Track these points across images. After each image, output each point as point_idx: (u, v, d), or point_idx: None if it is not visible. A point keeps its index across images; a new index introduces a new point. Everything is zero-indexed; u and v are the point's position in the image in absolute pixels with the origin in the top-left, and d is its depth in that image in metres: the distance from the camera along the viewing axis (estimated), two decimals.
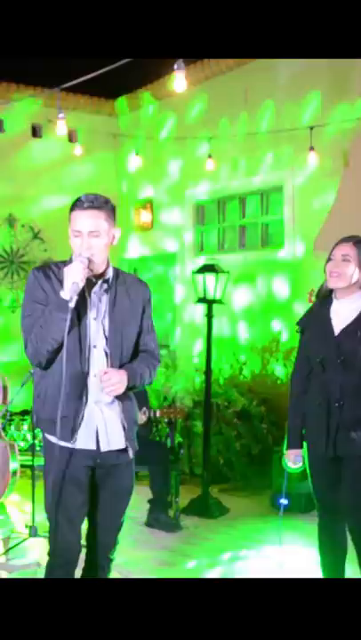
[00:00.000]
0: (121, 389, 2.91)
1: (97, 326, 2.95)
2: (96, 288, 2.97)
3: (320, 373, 3.44)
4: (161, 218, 8.42)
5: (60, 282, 2.89)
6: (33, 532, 4.80)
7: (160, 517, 5.37)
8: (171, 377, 7.62)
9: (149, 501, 5.43)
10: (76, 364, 2.88)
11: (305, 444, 3.55)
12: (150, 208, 8.48)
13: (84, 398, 2.91)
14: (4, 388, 5.16)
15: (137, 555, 4.73)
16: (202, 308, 6.19)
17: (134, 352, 3.05)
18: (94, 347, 2.94)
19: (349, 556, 3.57)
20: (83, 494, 2.97)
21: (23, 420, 7.10)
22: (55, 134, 6.46)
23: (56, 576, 2.97)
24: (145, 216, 8.52)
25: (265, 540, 5.06)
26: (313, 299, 6.10)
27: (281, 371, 6.82)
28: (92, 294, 2.95)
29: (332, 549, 3.56)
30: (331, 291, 3.50)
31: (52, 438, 2.98)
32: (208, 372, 6.03)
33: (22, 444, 6.64)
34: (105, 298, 2.98)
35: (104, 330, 2.96)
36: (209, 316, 5.95)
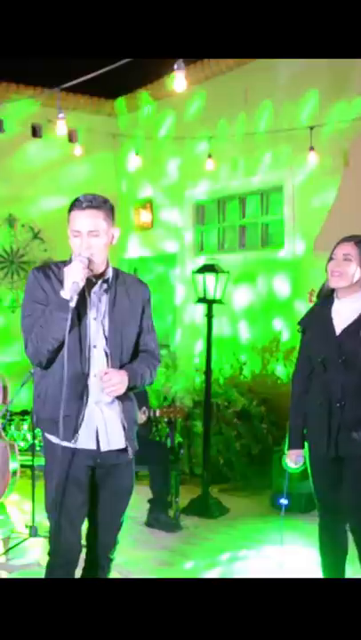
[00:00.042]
0: (122, 390, 2.92)
1: (97, 326, 2.95)
2: (96, 288, 2.97)
3: (321, 373, 3.44)
4: (161, 218, 8.42)
5: (60, 282, 2.89)
6: (33, 532, 4.80)
7: (160, 517, 5.37)
8: (171, 377, 7.62)
9: (149, 501, 5.43)
10: (76, 363, 2.88)
11: (306, 443, 3.55)
12: (150, 208, 8.48)
13: (85, 398, 2.91)
14: (4, 388, 5.16)
15: (137, 555, 4.72)
16: (202, 308, 6.19)
17: (134, 352, 3.05)
18: (94, 347, 2.94)
19: (349, 556, 3.57)
20: (83, 494, 2.97)
21: (23, 419, 7.09)
22: (55, 134, 6.45)
23: (56, 576, 2.98)
24: (145, 216, 8.52)
25: (265, 540, 5.06)
26: (313, 299, 6.13)
27: (281, 371, 6.82)
28: (92, 294, 2.96)
29: (332, 549, 3.56)
30: (332, 290, 3.49)
31: (53, 438, 2.98)
32: (208, 372, 6.03)
33: (22, 443, 6.64)
34: (105, 298, 2.98)
35: (104, 330, 2.96)
36: (209, 315, 5.95)
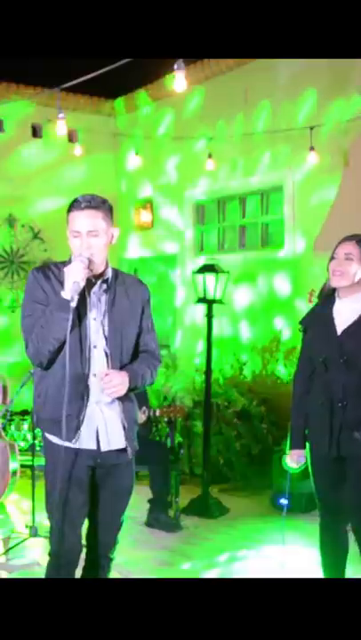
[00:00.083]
0: (122, 391, 2.92)
1: (97, 326, 2.96)
2: (95, 288, 2.97)
3: (323, 373, 3.43)
4: (161, 218, 8.42)
5: (60, 282, 2.90)
6: (33, 532, 4.80)
7: (160, 517, 5.37)
8: (171, 377, 7.62)
9: (149, 501, 5.43)
10: (76, 364, 2.88)
11: (307, 444, 3.54)
12: (150, 208, 8.48)
13: (85, 398, 2.92)
14: (4, 388, 5.16)
15: (137, 555, 4.72)
16: (202, 309, 6.19)
17: (134, 352, 3.05)
18: (94, 347, 2.94)
19: (350, 555, 3.57)
20: (83, 494, 2.97)
21: (23, 419, 7.09)
22: (55, 134, 6.45)
23: (56, 576, 2.98)
24: (145, 216, 8.52)
25: (265, 540, 5.06)
26: (313, 299, 6.14)
27: (281, 370, 6.82)
28: (92, 294, 2.96)
29: (333, 549, 3.55)
30: (334, 290, 3.48)
31: (53, 438, 2.98)
32: (208, 371, 6.03)
33: (22, 443, 6.64)
34: (104, 298, 2.98)
35: (104, 330, 2.96)
36: (209, 315, 5.95)
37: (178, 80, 4.47)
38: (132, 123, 8.63)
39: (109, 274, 3.00)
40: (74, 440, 2.90)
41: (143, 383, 3.04)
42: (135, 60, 4.48)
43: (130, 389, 2.96)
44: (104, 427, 2.96)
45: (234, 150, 7.42)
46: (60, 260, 3.07)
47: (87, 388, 2.92)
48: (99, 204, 2.92)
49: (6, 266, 8.16)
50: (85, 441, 2.93)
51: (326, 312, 3.47)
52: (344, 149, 6.36)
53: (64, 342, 2.84)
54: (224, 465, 6.57)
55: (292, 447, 3.59)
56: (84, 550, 3.11)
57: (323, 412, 3.39)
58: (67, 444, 2.89)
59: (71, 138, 8.10)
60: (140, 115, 8.54)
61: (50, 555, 3.03)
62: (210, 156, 7.27)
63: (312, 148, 6.42)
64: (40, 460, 4.24)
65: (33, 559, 4.65)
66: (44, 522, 4.04)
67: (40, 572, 4.17)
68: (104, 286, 2.99)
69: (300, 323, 3.64)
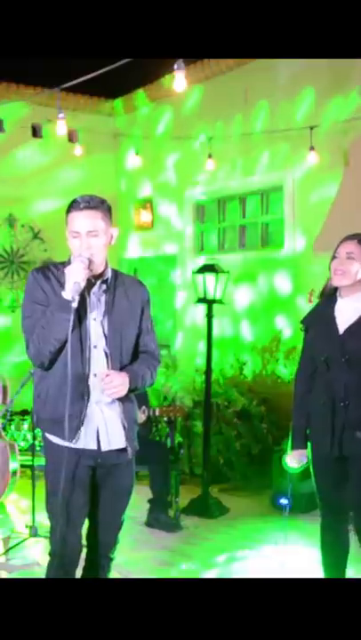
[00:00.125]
0: (123, 392, 2.92)
1: (96, 327, 2.96)
2: (95, 289, 2.97)
3: (325, 372, 3.42)
4: (161, 218, 8.42)
5: (60, 283, 2.90)
6: (33, 532, 4.80)
7: (160, 517, 5.37)
8: (171, 377, 7.62)
9: (149, 501, 5.43)
10: (77, 364, 2.88)
11: (309, 443, 3.53)
12: (150, 208, 8.48)
13: (86, 398, 2.92)
14: (4, 388, 5.16)
15: (137, 555, 4.73)
16: (203, 310, 6.18)
17: (134, 353, 3.06)
18: (94, 347, 2.94)
19: (351, 555, 3.56)
20: (84, 494, 2.97)
21: (23, 419, 7.09)
22: (55, 134, 6.45)
23: (57, 576, 2.98)
24: (145, 216, 8.52)
25: (265, 539, 5.06)
26: (313, 299, 6.14)
27: (282, 370, 6.82)
28: (91, 295, 2.96)
29: (334, 549, 3.54)
30: (335, 289, 3.47)
31: (53, 438, 2.99)
32: (208, 371, 6.03)
33: (22, 443, 6.64)
34: (104, 298, 2.98)
35: (103, 330, 2.96)
36: (209, 315, 5.95)
37: (178, 80, 4.47)
38: (132, 123, 8.63)
39: (109, 274, 3.01)
40: (74, 440, 2.90)
41: (143, 384, 3.05)
42: (135, 60, 4.48)
43: (130, 390, 2.96)
44: (104, 427, 2.96)
45: (234, 150, 7.42)
46: (59, 262, 3.07)
47: (87, 388, 2.92)
48: (98, 204, 2.92)
49: (6, 266, 8.16)
50: (86, 441, 2.93)
51: (328, 311, 3.46)
52: (344, 149, 6.37)
53: (65, 343, 2.84)
54: (224, 465, 6.57)
55: (293, 447, 3.57)
56: (85, 550, 3.11)
57: (325, 411, 3.38)
58: (67, 443, 2.89)
59: (71, 138, 8.09)
60: (140, 115, 8.54)
61: (50, 555, 3.04)
62: (210, 155, 7.27)
63: (312, 148, 6.42)
64: (40, 460, 4.24)
65: (33, 559, 4.65)
66: (44, 522, 4.04)
67: (40, 572, 4.17)
68: (103, 287, 2.99)
69: (302, 322, 3.63)
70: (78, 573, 3.14)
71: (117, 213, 8.54)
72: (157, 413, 5.47)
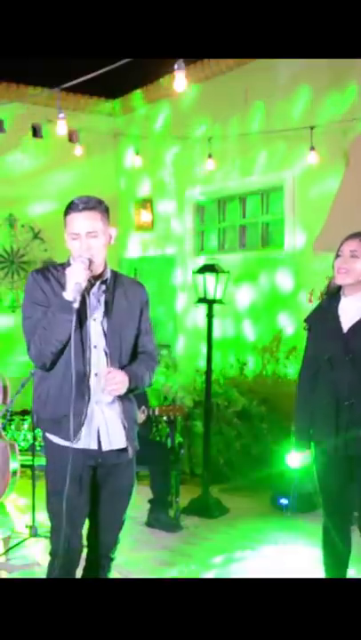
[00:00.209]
0: (122, 390, 2.92)
1: (96, 327, 2.96)
2: (94, 289, 2.98)
3: (328, 371, 3.40)
4: (161, 218, 8.42)
5: (60, 284, 2.91)
6: (33, 532, 4.81)
7: (160, 517, 5.37)
8: (171, 377, 7.62)
9: (150, 501, 5.43)
10: (78, 364, 2.89)
11: (312, 443, 3.51)
12: (150, 208, 8.48)
13: (87, 398, 2.92)
14: (5, 388, 5.16)
15: (137, 555, 4.73)
16: (204, 311, 6.18)
17: (133, 353, 3.06)
18: (94, 347, 2.95)
19: (352, 556, 3.55)
20: (85, 494, 2.98)
21: (23, 420, 7.09)
22: (55, 134, 6.45)
23: (57, 576, 2.98)
24: (145, 216, 8.52)
25: (265, 539, 5.07)
26: (313, 299, 6.15)
27: (282, 370, 6.82)
28: (91, 295, 2.96)
29: (337, 550, 3.49)
30: (339, 287, 3.46)
31: (54, 438, 2.99)
32: (208, 371, 6.03)
33: (22, 443, 6.64)
34: (103, 299, 2.99)
35: (103, 330, 2.97)
36: (209, 315, 5.95)
37: (178, 80, 4.47)
38: (132, 123, 8.63)
39: (108, 275, 3.01)
40: (75, 440, 2.90)
41: (142, 384, 3.05)
42: (135, 60, 4.48)
43: (129, 390, 2.96)
44: (105, 426, 2.96)
45: (234, 150, 7.42)
46: (59, 263, 3.09)
47: (88, 387, 2.93)
48: (96, 204, 2.93)
49: (6, 266, 8.16)
50: (87, 441, 2.93)
51: (332, 310, 3.45)
52: (344, 149, 6.37)
53: (66, 343, 2.85)
54: (224, 465, 6.57)
55: (296, 447, 3.54)
56: (85, 550, 3.11)
57: (328, 411, 3.37)
58: (68, 443, 2.89)
59: (71, 138, 8.10)
60: (140, 115, 8.54)
61: (50, 554, 3.04)
62: (210, 155, 7.27)
63: (312, 148, 6.42)
64: (40, 460, 4.25)
65: (33, 559, 4.65)
66: (44, 522, 4.04)
67: (40, 572, 4.18)
68: (103, 287, 2.99)
69: (305, 321, 3.61)
70: (79, 573, 3.14)
71: (118, 214, 8.56)
72: (157, 413, 5.47)
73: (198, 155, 7.68)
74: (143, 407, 5.17)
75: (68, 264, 2.93)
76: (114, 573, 3.21)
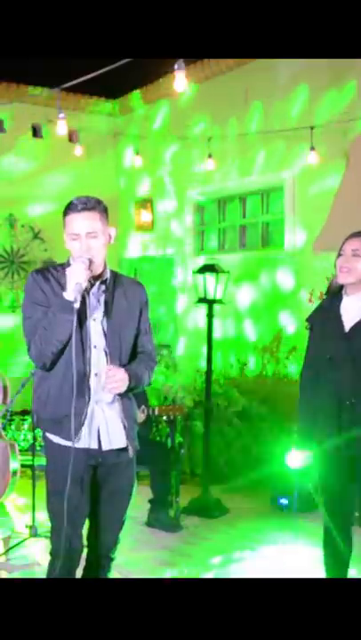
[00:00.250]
0: (123, 388, 2.93)
1: (96, 327, 2.96)
2: (94, 289, 2.98)
3: (330, 371, 3.38)
4: (161, 218, 8.42)
5: (60, 284, 2.91)
6: (33, 531, 4.81)
7: (160, 517, 5.37)
8: (171, 377, 7.62)
9: (150, 501, 5.44)
10: (78, 363, 2.88)
11: (314, 443, 3.50)
12: (150, 208, 8.48)
13: (87, 397, 2.92)
14: (5, 388, 5.16)
15: (137, 555, 4.73)
16: (204, 311, 6.18)
17: (132, 353, 3.07)
18: (94, 347, 2.95)
19: (353, 556, 3.55)
20: (85, 494, 2.98)
21: (23, 420, 7.10)
22: (55, 134, 6.46)
23: (57, 576, 2.98)
24: (145, 216, 8.53)
25: (265, 539, 5.07)
26: (313, 299, 6.15)
27: (282, 370, 6.82)
28: (90, 295, 2.96)
29: (338, 550, 3.46)
30: (341, 287, 3.45)
31: (54, 438, 2.99)
32: (208, 371, 6.03)
33: (22, 443, 6.64)
34: (103, 299, 2.99)
35: (103, 330, 2.97)
36: (209, 315, 5.95)
37: (178, 80, 4.47)
38: (132, 123, 8.63)
39: (107, 275, 3.01)
40: (76, 439, 2.90)
41: (141, 384, 3.06)
42: (136, 59, 4.48)
43: (129, 389, 2.97)
44: (105, 426, 2.97)
45: (234, 150, 7.43)
46: (58, 263, 3.09)
47: (88, 387, 2.93)
48: (95, 204, 2.93)
49: (6, 266, 8.17)
50: (87, 440, 2.94)
51: (334, 309, 3.43)
52: (344, 148, 6.37)
53: (66, 343, 2.85)
54: (224, 465, 6.57)
55: (298, 447, 3.53)
56: (85, 550, 3.11)
57: (331, 410, 3.35)
58: (68, 443, 2.89)
59: (71, 138, 8.10)
60: (140, 115, 8.54)
61: (51, 554, 3.04)
62: (210, 155, 7.28)
63: (313, 148, 6.42)
64: (40, 460, 4.25)
65: (33, 559, 4.65)
66: (44, 522, 4.04)
67: (40, 573, 4.18)
68: (102, 287, 3.00)
69: (307, 320, 3.59)
70: (79, 573, 3.14)
71: (118, 214, 8.56)
72: (157, 413, 5.47)
73: (198, 155, 7.69)
74: (143, 407, 5.17)
75: (68, 264, 2.94)
76: (114, 573, 3.20)
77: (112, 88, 8.04)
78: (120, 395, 2.98)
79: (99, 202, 2.95)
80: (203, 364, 7.27)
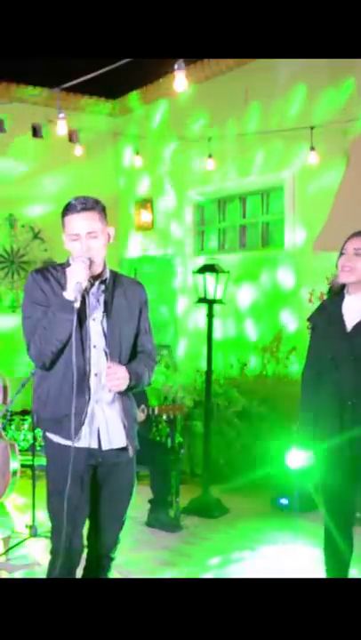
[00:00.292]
0: (123, 386, 2.93)
1: (96, 326, 2.97)
2: (94, 289, 2.98)
3: (332, 371, 3.38)
4: (161, 218, 8.42)
5: (60, 284, 2.91)
6: (33, 531, 4.81)
7: (160, 517, 5.37)
8: (171, 377, 7.62)
9: (150, 501, 5.44)
10: (78, 363, 2.89)
11: (316, 443, 3.50)
12: (150, 208, 8.49)
13: (87, 397, 2.92)
14: (5, 388, 5.17)
15: (137, 555, 4.73)
16: (204, 311, 6.18)
17: (132, 353, 3.07)
18: (94, 346, 2.95)
19: (353, 556, 3.54)
20: (85, 493, 2.98)
21: (23, 420, 7.10)
22: (55, 134, 6.46)
23: (57, 575, 2.98)
24: (145, 216, 8.53)
25: (265, 539, 5.07)
26: (313, 299, 6.15)
27: (282, 370, 6.82)
28: (90, 295, 2.97)
29: (339, 550, 3.46)
30: (343, 286, 3.44)
31: (54, 437, 2.99)
32: (209, 371, 6.03)
33: (22, 443, 6.64)
34: (102, 299, 2.99)
35: (103, 330, 2.97)
36: (209, 315, 5.95)
37: (178, 80, 4.47)
38: (132, 123, 8.63)
39: (107, 275, 3.02)
40: (76, 439, 2.91)
41: (141, 383, 3.05)
42: (136, 59, 4.48)
43: (129, 388, 2.97)
44: (105, 425, 2.97)
45: (234, 150, 7.43)
46: (58, 263, 3.09)
47: (88, 387, 2.93)
48: (93, 204, 2.93)
49: (6, 266, 8.17)
50: (87, 440, 2.94)
51: (335, 309, 3.42)
52: (344, 147, 6.37)
53: (66, 343, 2.85)
54: (224, 465, 6.57)
55: (299, 447, 3.52)
56: (85, 550, 3.11)
57: (332, 410, 3.35)
58: (68, 442, 2.89)
59: (71, 138, 8.11)
60: (140, 115, 8.54)
61: (51, 553, 3.04)
62: (210, 155, 7.28)
63: (313, 148, 6.42)
64: (40, 460, 4.25)
65: (33, 559, 4.65)
66: (44, 522, 4.03)
67: (40, 572, 4.18)
68: (102, 287, 3.00)
69: (309, 320, 3.59)
70: (79, 573, 3.14)
71: (118, 214, 8.56)
72: (157, 412, 5.48)
73: (198, 155, 7.69)
74: (143, 406, 5.17)
75: (68, 264, 2.94)
76: (114, 573, 3.20)
77: (112, 88, 8.04)
78: (120, 394, 2.98)
79: (97, 202, 2.96)
80: (203, 365, 7.28)
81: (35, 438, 5.16)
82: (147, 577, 4.30)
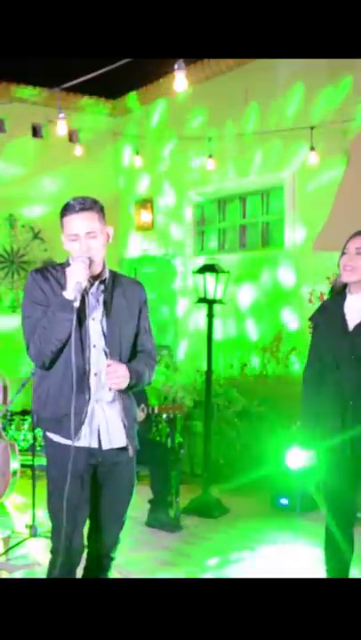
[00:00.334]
0: (123, 384, 2.93)
1: (95, 326, 2.97)
2: (93, 289, 2.98)
3: (334, 370, 3.37)
4: (161, 218, 8.42)
5: (59, 283, 2.91)
6: (33, 531, 4.81)
7: (160, 517, 5.37)
8: (171, 377, 7.62)
9: (150, 501, 5.43)
10: (78, 363, 2.89)
11: (317, 443, 3.49)
12: (150, 208, 8.49)
13: (87, 397, 2.92)
14: (5, 388, 5.16)
15: (137, 555, 4.73)
16: (205, 311, 6.18)
17: (132, 352, 3.07)
18: (94, 346, 2.95)
19: (354, 556, 3.54)
20: (86, 493, 2.98)
21: (23, 420, 7.10)
22: (55, 134, 6.46)
23: (57, 574, 2.98)
24: (145, 216, 8.53)
25: (265, 539, 5.07)
26: (313, 299, 6.15)
27: (282, 370, 6.82)
28: (90, 295, 2.97)
29: (340, 551, 3.45)
30: (345, 285, 3.44)
31: (54, 437, 2.99)
32: (209, 371, 6.03)
33: (22, 443, 6.64)
34: (102, 299, 2.99)
35: (103, 330, 2.97)
36: (210, 315, 5.95)
37: (178, 80, 4.47)
38: (132, 122, 8.64)
39: (107, 275, 3.02)
40: (76, 438, 2.91)
41: (142, 382, 3.05)
42: (136, 59, 4.48)
43: (130, 386, 2.97)
44: (105, 425, 2.97)
45: (234, 150, 7.43)
46: (58, 263, 3.09)
47: (88, 386, 2.93)
48: (92, 204, 2.93)
49: (6, 266, 8.17)
50: (87, 439, 2.94)
51: (337, 308, 3.42)
52: (343, 145, 6.37)
53: (65, 342, 2.85)
54: (224, 465, 6.57)
55: (300, 447, 3.52)
56: (85, 550, 3.11)
57: (334, 410, 3.34)
58: (69, 442, 2.89)
59: (71, 138, 8.11)
60: (139, 115, 8.54)
61: (51, 552, 3.04)
62: (210, 155, 7.28)
63: (312, 148, 6.42)
64: (40, 460, 4.25)
65: (33, 559, 4.65)
66: (44, 522, 4.03)
67: (40, 572, 4.18)
68: (102, 287, 3.00)
69: (310, 319, 3.59)
70: (79, 573, 3.14)
71: (118, 214, 8.56)
72: (157, 411, 5.47)
73: (198, 155, 7.69)
74: (143, 405, 5.17)
75: (68, 264, 2.94)
76: (114, 573, 3.20)
77: (111, 88, 8.04)
78: (120, 394, 2.99)
79: (95, 201, 2.96)
80: (203, 365, 7.27)
81: (35, 438, 5.16)
82: (147, 577, 4.30)
